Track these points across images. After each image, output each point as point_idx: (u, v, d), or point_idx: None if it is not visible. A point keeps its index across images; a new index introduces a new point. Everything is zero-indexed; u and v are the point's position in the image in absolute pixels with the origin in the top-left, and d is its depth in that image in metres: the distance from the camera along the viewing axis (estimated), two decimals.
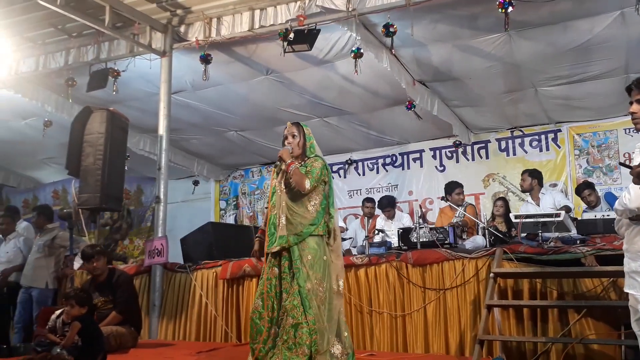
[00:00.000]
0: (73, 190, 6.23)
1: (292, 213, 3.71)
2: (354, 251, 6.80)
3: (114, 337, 4.96)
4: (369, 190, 9.13)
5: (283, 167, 3.83)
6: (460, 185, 6.98)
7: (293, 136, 3.85)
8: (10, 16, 5.94)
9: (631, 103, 2.76)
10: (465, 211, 6.61)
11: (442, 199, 6.75)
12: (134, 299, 5.48)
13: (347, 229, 7.70)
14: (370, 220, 7.56)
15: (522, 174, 6.59)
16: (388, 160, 9.18)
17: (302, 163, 3.83)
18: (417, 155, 8.97)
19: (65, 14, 5.50)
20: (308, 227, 3.67)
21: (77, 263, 6.26)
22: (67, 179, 7.60)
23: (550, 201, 6.30)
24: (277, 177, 3.88)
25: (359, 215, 8.48)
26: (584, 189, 6.38)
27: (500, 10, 4.66)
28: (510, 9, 4.63)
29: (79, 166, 5.56)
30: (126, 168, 6.14)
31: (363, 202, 7.86)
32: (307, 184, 3.67)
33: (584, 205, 6.64)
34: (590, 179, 7.47)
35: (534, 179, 6.45)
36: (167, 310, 6.03)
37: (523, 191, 6.54)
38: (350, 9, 5.20)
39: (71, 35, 6.57)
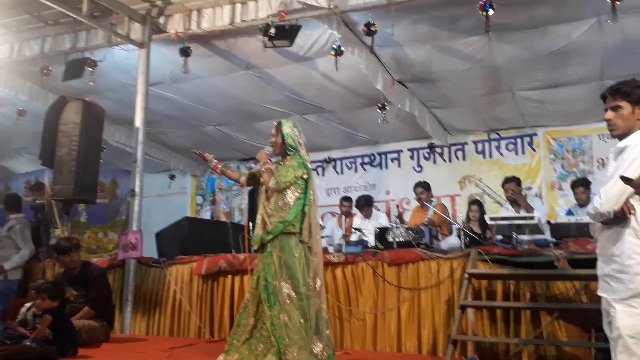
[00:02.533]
0: (46, 181, 6.12)
1: (267, 211, 3.87)
2: (331, 249, 6.80)
3: (86, 330, 4.89)
4: (347, 188, 9.14)
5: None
6: (422, 185, 6.99)
7: (272, 136, 4.05)
8: None
9: (606, 110, 2.81)
10: (435, 210, 6.63)
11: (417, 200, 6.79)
12: (107, 293, 5.40)
13: (324, 227, 7.68)
14: (348, 219, 7.56)
15: (503, 184, 6.49)
16: (366, 159, 9.20)
17: (282, 162, 3.99)
18: (395, 155, 9.00)
19: (41, 0, 5.37)
20: (278, 224, 3.81)
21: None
22: (41, 169, 7.43)
23: (529, 209, 6.32)
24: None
25: (336, 213, 8.48)
26: (580, 185, 6.31)
27: (481, 12, 4.69)
28: (490, 11, 4.66)
29: (53, 156, 5.46)
30: (101, 160, 6.04)
31: (340, 201, 7.86)
32: (271, 183, 3.85)
33: (559, 208, 6.72)
34: (564, 184, 7.56)
35: (517, 186, 6.42)
36: (141, 305, 5.95)
37: (512, 202, 6.48)
38: (332, 6, 5.19)
39: (47, 23, 6.44)
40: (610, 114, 2.78)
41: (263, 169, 3.94)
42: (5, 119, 8.16)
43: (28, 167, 10.14)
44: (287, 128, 4.02)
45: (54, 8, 5.65)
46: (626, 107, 2.74)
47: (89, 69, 6.29)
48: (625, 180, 2.02)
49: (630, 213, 2.63)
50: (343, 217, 7.61)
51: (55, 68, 6.57)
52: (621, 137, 2.77)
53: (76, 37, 6.40)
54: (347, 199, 7.81)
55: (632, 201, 2.62)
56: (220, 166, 4.26)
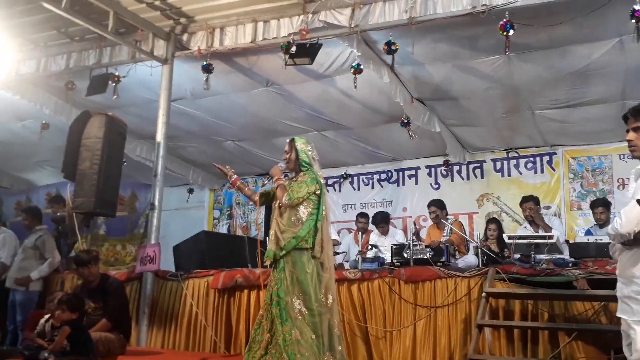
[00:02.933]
0: (68, 193, 6.23)
1: (280, 227, 3.89)
2: (347, 265, 6.80)
3: (102, 343, 4.93)
4: (364, 205, 9.15)
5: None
6: (435, 204, 7.01)
7: (286, 152, 4.11)
8: (12, 17, 5.94)
9: (627, 131, 2.81)
10: (452, 227, 6.61)
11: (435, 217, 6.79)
12: (124, 306, 5.45)
13: (340, 243, 7.70)
14: (364, 235, 7.56)
15: (522, 203, 6.49)
16: (383, 175, 9.21)
17: (295, 177, 4.04)
18: (413, 172, 9.00)
19: (68, 17, 5.51)
20: (290, 240, 3.83)
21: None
22: (62, 182, 7.57)
23: (548, 228, 6.28)
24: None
25: (352, 229, 8.48)
26: (599, 205, 6.27)
27: (501, 32, 4.71)
28: (511, 32, 4.68)
29: (75, 170, 5.55)
30: (123, 173, 6.13)
31: (357, 217, 7.87)
32: (285, 199, 3.88)
33: (578, 228, 6.66)
34: (583, 203, 7.50)
35: (536, 205, 6.42)
36: (157, 318, 5.99)
37: (530, 222, 6.46)
38: (352, 25, 5.25)
39: (73, 39, 6.58)
40: (632, 135, 2.79)
41: (276, 185, 3.97)
42: (29, 132, 8.33)
43: (49, 179, 10.32)
44: (300, 144, 4.07)
45: (80, 25, 5.78)
46: None
47: (113, 84, 6.42)
48: None
49: None
50: (359, 233, 7.61)
51: (80, 83, 6.71)
52: None
53: (101, 53, 6.53)
54: (363, 215, 7.82)
55: None
56: (238, 182, 4.28)
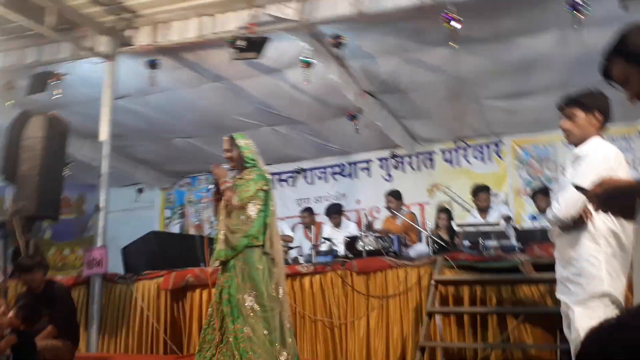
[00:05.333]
0: (8, 197, 6.00)
1: (228, 228, 3.85)
2: (301, 260, 6.82)
3: (49, 351, 4.77)
4: (318, 198, 9.18)
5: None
6: (392, 194, 7.07)
7: (228, 151, 4.00)
8: None
9: (561, 119, 2.92)
10: (404, 218, 6.72)
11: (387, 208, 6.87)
12: (72, 312, 5.28)
13: (292, 238, 7.71)
14: (314, 229, 7.62)
15: (475, 193, 6.61)
16: (337, 169, 9.27)
17: (240, 175, 3.98)
18: (365, 165, 9.10)
19: (4, 12, 5.30)
20: (242, 239, 3.80)
21: None
22: (2, 184, 7.28)
23: (496, 215, 6.46)
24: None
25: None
26: (539, 193, 6.46)
27: (444, 24, 4.78)
28: (457, 25, 4.75)
29: (15, 172, 5.36)
30: (67, 175, 5.96)
31: (300, 212, 7.92)
32: (235, 201, 3.84)
33: (525, 214, 6.85)
34: (530, 190, 7.72)
35: (488, 195, 6.57)
36: (107, 322, 5.86)
37: (480, 210, 6.61)
38: (301, 19, 5.24)
39: (12, 36, 6.34)
40: (565, 122, 2.89)
41: (224, 187, 3.89)
42: None
43: None
44: (242, 140, 4.02)
45: (18, 22, 5.57)
46: (580, 115, 2.85)
47: (53, 82, 6.22)
48: (580, 190, 2.09)
49: (587, 218, 2.72)
50: (306, 228, 7.68)
51: (20, 82, 6.48)
52: (577, 143, 2.88)
53: (41, 50, 6.32)
54: (305, 209, 7.88)
55: (589, 206, 2.71)
56: (228, 184, 3.91)
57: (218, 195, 3.99)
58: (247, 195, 3.81)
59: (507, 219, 5.97)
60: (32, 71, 6.37)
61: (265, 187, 3.90)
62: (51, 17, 5.50)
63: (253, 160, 3.98)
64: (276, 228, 3.98)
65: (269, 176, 4.01)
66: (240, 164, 3.99)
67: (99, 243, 5.80)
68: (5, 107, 7.00)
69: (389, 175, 8.93)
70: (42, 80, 6.26)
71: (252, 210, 3.85)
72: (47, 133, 5.36)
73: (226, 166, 4.02)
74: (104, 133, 6.05)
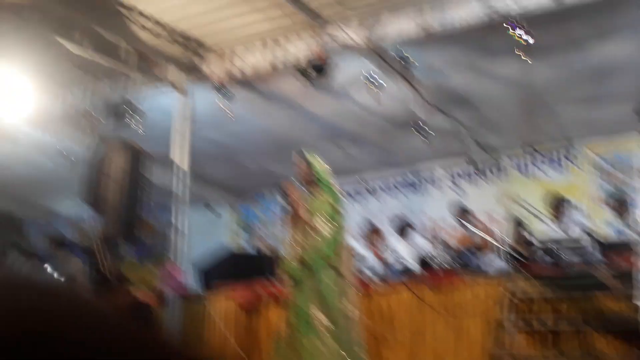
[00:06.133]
0: (92, 223, 6.35)
1: (301, 246, 3.93)
2: (371, 275, 6.82)
3: None
4: (384, 212, 9.14)
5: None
6: (461, 209, 7.04)
7: (299, 167, 4.11)
8: (33, 54, 6.10)
9: None
10: (478, 232, 6.59)
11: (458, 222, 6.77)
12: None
13: (361, 255, 7.70)
14: (378, 245, 7.62)
15: (553, 204, 6.43)
16: (404, 182, 9.20)
17: (311, 192, 4.03)
18: (433, 177, 8.99)
19: (90, 58, 5.65)
20: (314, 257, 3.86)
21: None
22: (87, 211, 7.69)
23: (574, 227, 6.23)
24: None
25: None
26: (618, 202, 6.25)
27: (514, 36, 4.71)
28: (529, 39, 4.67)
29: (99, 200, 5.67)
30: (146, 200, 6.23)
31: (364, 227, 7.90)
32: (308, 219, 3.90)
33: (604, 225, 6.57)
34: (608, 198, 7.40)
35: (563, 206, 6.38)
36: (185, 340, 6.03)
37: (557, 221, 6.43)
38: (367, 42, 5.29)
39: (95, 75, 6.74)
40: None
41: (297, 205, 3.96)
42: (54, 165, 8.50)
43: (74, 209, 10.48)
44: (312, 157, 4.08)
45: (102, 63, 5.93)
46: None
47: (134, 114, 6.54)
48: None
49: None
50: (369, 242, 7.68)
51: (102, 116, 6.86)
52: None
53: (121, 85, 6.68)
54: (369, 224, 7.86)
55: None
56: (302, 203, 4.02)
57: (291, 212, 4.06)
58: (320, 214, 3.86)
59: (588, 231, 5.75)
60: (113, 105, 6.72)
61: (337, 207, 3.95)
62: (131, 55, 5.80)
63: (323, 177, 4.03)
64: (347, 246, 4.01)
65: (341, 195, 4.05)
66: (311, 180, 4.04)
67: (176, 263, 6.01)
68: (89, 139, 7.42)
69: (458, 187, 8.78)
70: (123, 113, 6.59)
71: (324, 227, 3.90)
72: (128, 162, 5.66)
73: (298, 183, 4.07)
74: (181, 160, 6.29)
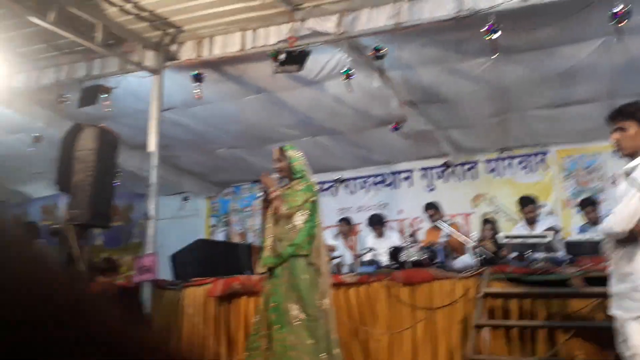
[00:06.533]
0: (62, 206, 6.22)
1: (275, 236, 3.92)
2: (344, 269, 6.82)
3: None
4: (359, 208, 9.17)
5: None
6: (432, 207, 7.12)
7: (278, 161, 4.09)
8: (1, 32, 5.94)
9: (612, 132, 2.85)
10: (449, 229, 6.64)
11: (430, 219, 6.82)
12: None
13: (335, 248, 7.72)
14: (351, 239, 7.66)
15: (522, 205, 6.48)
16: (378, 179, 9.24)
17: (289, 185, 4.04)
18: (407, 174, 9.05)
19: (56, 30, 5.51)
20: (288, 248, 3.86)
21: None
22: (57, 194, 7.54)
23: (543, 227, 6.30)
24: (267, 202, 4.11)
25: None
26: (588, 204, 6.35)
27: (485, 36, 4.74)
28: (496, 35, 4.71)
29: (69, 182, 5.54)
30: (117, 184, 6.12)
31: (338, 221, 7.94)
32: (284, 209, 3.90)
33: (573, 226, 6.67)
34: (577, 201, 7.53)
35: (533, 207, 6.44)
36: (156, 327, 5.97)
37: (527, 222, 6.50)
38: (340, 32, 5.27)
39: (63, 52, 6.58)
40: (616, 135, 2.82)
41: (273, 196, 3.96)
42: (22, 144, 8.30)
43: (44, 192, 10.28)
44: (291, 151, 4.09)
45: (68, 37, 5.78)
46: (631, 127, 2.78)
47: (103, 95, 6.41)
48: None
49: None
50: (344, 237, 7.73)
51: (71, 95, 6.71)
52: (630, 156, 2.80)
53: (90, 65, 6.53)
54: (343, 219, 7.96)
55: None
56: (277, 193, 3.98)
57: (266, 203, 4.06)
58: (295, 205, 3.87)
59: (555, 230, 5.83)
60: (83, 85, 6.58)
61: (313, 199, 3.96)
62: (99, 33, 5.67)
63: (302, 171, 4.03)
64: (322, 239, 4.02)
65: (316, 188, 4.06)
66: (289, 174, 4.06)
67: (149, 250, 5.93)
68: (58, 120, 7.26)
69: (432, 185, 8.85)
70: (92, 94, 6.46)
71: (299, 219, 3.91)
72: (98, 145, 5.53)
73: (275, 175, 4.06)
74: (152, 144, 6.20)
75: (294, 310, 3.75)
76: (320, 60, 5.88)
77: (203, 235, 10.16)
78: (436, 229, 6.95)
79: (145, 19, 5.91)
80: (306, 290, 3.79)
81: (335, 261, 6.89)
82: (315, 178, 4.28)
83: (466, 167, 8.68)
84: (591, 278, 4.37)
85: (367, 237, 7.56)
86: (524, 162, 8.34)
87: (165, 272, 6.44)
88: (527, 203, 6.45)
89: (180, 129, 7.68)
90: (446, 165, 8.57)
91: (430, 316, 4.87)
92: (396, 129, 6.88)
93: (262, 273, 4.10)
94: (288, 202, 3.89)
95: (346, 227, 7.85)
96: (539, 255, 5.10)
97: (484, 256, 5.39)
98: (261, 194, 4.19)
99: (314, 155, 8.12)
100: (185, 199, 10.18)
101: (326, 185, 9.38)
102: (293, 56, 5.40)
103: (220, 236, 10.19)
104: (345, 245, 7.83)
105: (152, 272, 5.73)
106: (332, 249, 6.97)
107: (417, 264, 5.34)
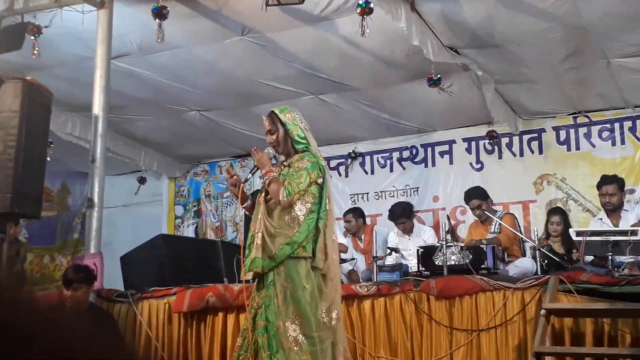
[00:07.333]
0: None
1: (267, 230, 3.90)
2: (357, 275, 6.88)
3: None
4: (379, 194, 9.20)
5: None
6: (475, 194, 7.15)
7: (270, 132, 4.08)
8: None
9: None
10: (502, 223, 6.67)
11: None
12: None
13: (347, 247, 7.78)
14: (364, 237, 7.69)
15: (602, 187, 6.52)
16: (406, 153, 9.27)
17: (287, 161, 4.06)
18: (446, 147, 9.06)
19: None
20: (284, 247, 3.84)
21: None
22: None
23: (631, 220, 6.33)
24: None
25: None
26: None
27: None
28: None
29: None
30: (49, 159, 6.15)
31: (344, 214, 7.96)
32: (283, 196, 3.85)
33: None
34: None
35: (622, 193, 6.44)
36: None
37: (608, 211, 6.51)
38: None
39: None
40: None
41: (268, 178, 3.95)
42: None
43: None
44: (287, 114, 4.06)
45: None
46: None
47: (32, 37, 6.42)
48: None
49: None
50: (350, 235, 7.81)
51: None
52: None
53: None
54: (351, 210, 8.03)
55: None
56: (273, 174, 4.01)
57: (251, 186, 4.09)
58: (299, 189, 3.84)
59: None
60: (3, 23, 6.58)
61: (319, 180, 3.95)
62: None
63: (304, 139, 4.02)
64: (332, 234, 4.02)
65: (324, 163, 4.04)
66: (287, 146, 4.06)
67: (92, 249, 5.97)
68: None
69: (479, 162, 8.86)
70: (16, 35, 6.46)
71: (301, 209, 3.90)
72: (25, 105, 5.54)
73: (271, 151, 4.11)
74: (97, 105, 6.22)
75: (292, 330, 3.78)
76: None
77: (165, 229, 10.23)
78: (483, 222, 6.96)
79: None
80: (308, 304, 3.80)
81: (346, 266, 6.95)
82: (322, 150, 4.28)
83: (527, 137, 8.67)
84: None
85: (389, 234, 7.60)
86: (607, 131, 8.34)
87: (113, 279, 6.50)
88: (607, 184, 6.46)
89: (136, 83, 7.69)
90: (491, 137, 8.56)
91: (474, 340, 4.91)
92: (432, 83, 6.85)
93: (248, 281, 4.12)
94: (289, 185, 3.86)
95: (359, 220, 7.88)
96: (625, 259, 5.13)
97: (548, 259, 5.42)
98: (250, 175, 4.22)
99: (318, 120, 8.16)
100: (142, 180, 10.22)
101: (333, 163, 9.40)
102: None
103: (189, 231, 10.26)
104: (358, 245, 7.87)
105: (95, 279, 5.78)
106: (342, 249, 7.02)
107: (456, 269, 5.37)
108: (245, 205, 4.22)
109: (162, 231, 9.84)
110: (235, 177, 4.25)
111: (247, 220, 4.63)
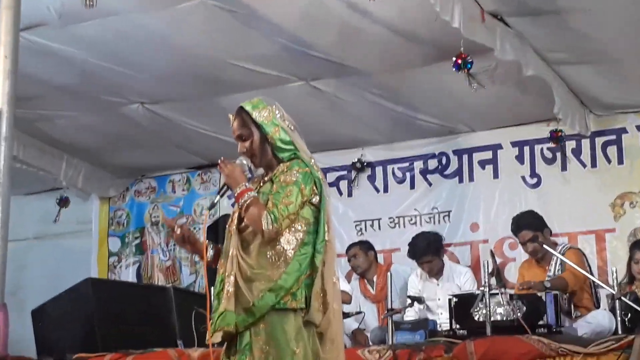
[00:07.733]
0: None
1: (244, 271, 3.83)
2: (368, 335, 6.88)
3: None
4: (396, 220, 9.22)
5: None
6: (526, 223, 7.17)
7: (241, 138, 4.03)
8: None
9: None
10: (563, 260, 6.66)
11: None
12: None
13: (351, 296, 7.78)
14: (376, 281, 7.70)
15: None
16: (432, 163, 9.31)
17: (268, 174, 4.02)
18: (489, 155, 9.10)
19: None
20: (266, 294, 3.77)
21: None
22: None
23: None
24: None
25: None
26: None
27: None
28: None
29: None
30: None
31: (347, 249, 8.03)
32: (266, 223, 3.75)
33: None
34: None
35: None
36: None
37: None
38: None
39: None
40: None
41: (243, 200, 3.87)
42: None
43: None
44: (261, 112, 4.01)
45: None
46: None
47: None
48: None
49: None
50: (357, 276, 7.86)
51: None
52: None
53: None
54: (358, 244, 8.09)
55: None
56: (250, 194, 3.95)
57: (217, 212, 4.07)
58: (288, 212, 3.80)
59: None
60: None
61: (315, 199, 3.90)
62: None
63: (289, 144, 3.99)
64: (333, 275, 3.97)
65: (320, 174, 3.97)
66: (265, 157, 4.02)
67: None
68: None
69: (536, 175, 8.87)
70: None
71: (289, 241, 3.84)
72: None
73: (245, 162, 4.01)
74: (1, 96, 6.22)
75: None
76: None
77: (95, 271, 10.21)
78: (540, 262, 6.95)
79: None
80: None
81: (350, 323, 6.94)
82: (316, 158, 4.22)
83: (602, 140, 8.70)
84: None
85: (410, 278, 7.60)
86: None
87: (22, 341, 6.48)
88: None
89: (55, 65, 7.71)
90: (556, 138, 8.56)
91: None
92: (462, 65, 6.84)
93: (216, 344, 4.08)
94: (274, 208, 3.83)
95: (369, 254, 7.86)
96: None
97: (632, 313, 5.42)
98: (219, 195, 4.13)
99: (309, 116, 8.17)
100: (63, 201, 10.21)
101: (332, 177, 9.40)
102: None
103: (128, 273, 10.24)
104: (367, 291, 7.85)
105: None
106: (344, 299, 7.00)
107: (505, 327, 5.37)
108: (208, 257, 4.16)
109: (90, 274, 9.81)
110: (180, 228, 4.13)
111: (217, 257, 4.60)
